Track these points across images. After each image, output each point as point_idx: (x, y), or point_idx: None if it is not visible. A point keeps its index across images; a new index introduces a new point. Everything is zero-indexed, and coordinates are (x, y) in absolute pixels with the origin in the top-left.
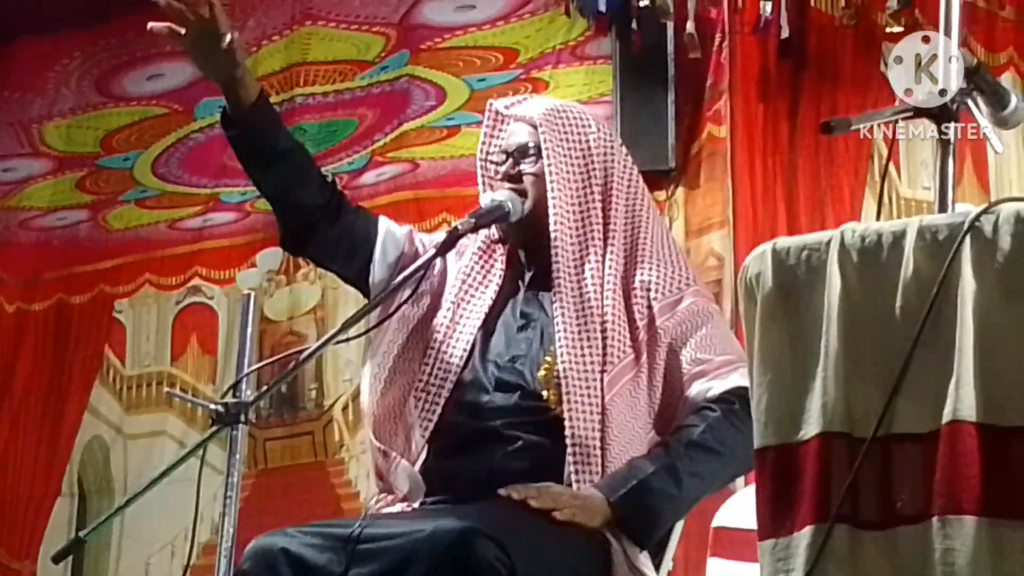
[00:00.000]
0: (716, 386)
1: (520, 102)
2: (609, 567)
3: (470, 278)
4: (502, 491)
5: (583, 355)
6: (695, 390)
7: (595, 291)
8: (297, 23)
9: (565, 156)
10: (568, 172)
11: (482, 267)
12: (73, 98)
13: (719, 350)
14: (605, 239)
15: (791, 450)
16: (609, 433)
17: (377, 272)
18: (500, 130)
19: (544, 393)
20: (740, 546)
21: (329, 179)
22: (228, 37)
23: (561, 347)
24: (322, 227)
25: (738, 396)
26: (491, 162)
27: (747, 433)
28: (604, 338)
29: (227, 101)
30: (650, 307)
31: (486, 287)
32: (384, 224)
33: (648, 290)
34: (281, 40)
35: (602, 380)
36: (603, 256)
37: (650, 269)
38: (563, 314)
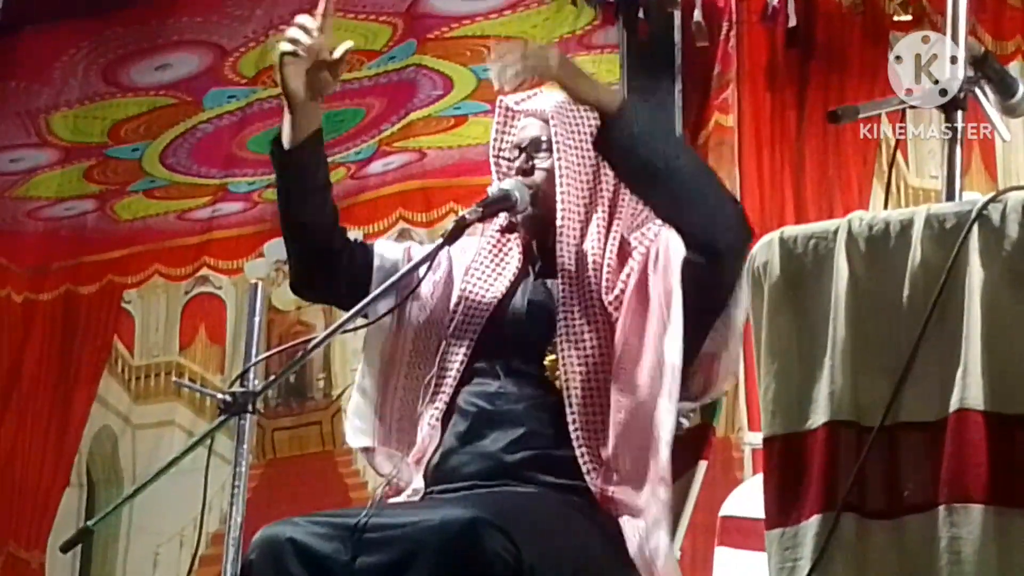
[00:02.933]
0: None
1: (530, 97)
2: (618, 557)
3: (481, 267)
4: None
5: (583, 341)
6: None
7: (595, 274)
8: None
9: (576, 149)
10: (579, 165)
11: (495, 255)
12: (80, 88)
13: None
14: (608, 225)
15: (799, 439)
16: (615, 417)
17: (378, 306)
18: (511, 126)
19: (551, 379)
20: (748, 535)
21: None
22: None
23: (561, 335)
24: (335, 272)
25: None
26: (503, 158)
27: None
28: (609, 322)
29: (291, 124)
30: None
31: (499, 275)
32: (378, 259)
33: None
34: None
35: (605, 365)
36: (605, 239)
37: (646, 231)
38: (565, 302)
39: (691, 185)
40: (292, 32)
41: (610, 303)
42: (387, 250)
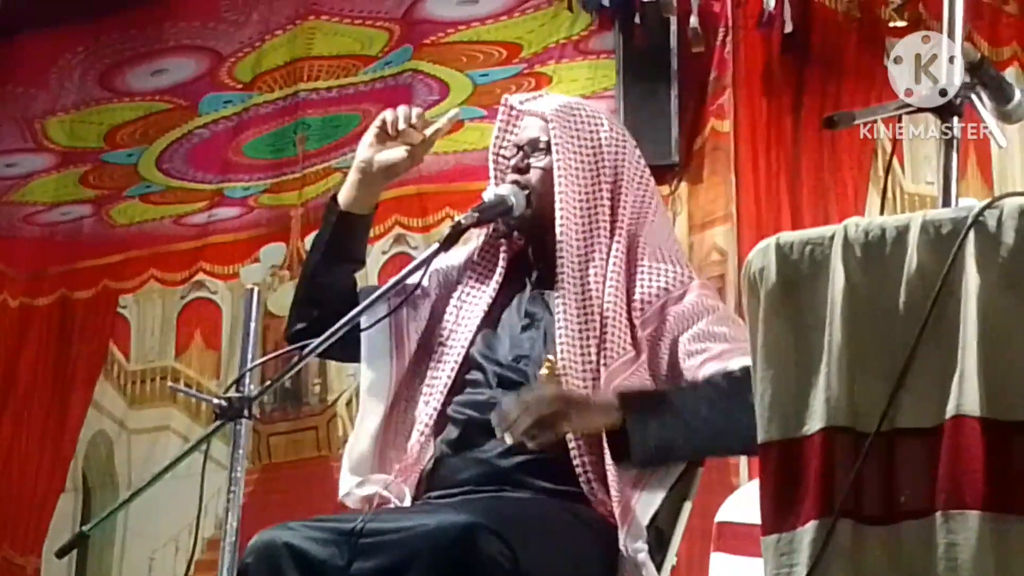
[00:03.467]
0: (715, 366)
1: (534, 98)
2: (613, 562)
3: (475, 274)
4: (506, 439)
5: (582, 354)
6: (696, 374)
7: (597, 289)
8: (301, 18)
9: (575, 153)
10: (577, 169)
11: (486, 262)
12: (76, 93)
13: (721, 338)
14: (611, 237)
15: (795, 445)
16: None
17: (366, 347)
18: (514, 126)
19: None
20: (744, 541)
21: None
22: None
23: (561, 346)
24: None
25: (741, 370)
26: (503, 157)
27: (746, 404)
28: (603, 336)
29: (355, 188)
30: (658, 303)
31: (490, 282)
32: (361, 294)
33: (651, 288)
34: (285, 35)
35: (598, 378)
36: (607, 255)
37: (653, 266)
38: (565, 313)
39: (721, 436)
40: (402, 111)
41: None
42: (370, 286)
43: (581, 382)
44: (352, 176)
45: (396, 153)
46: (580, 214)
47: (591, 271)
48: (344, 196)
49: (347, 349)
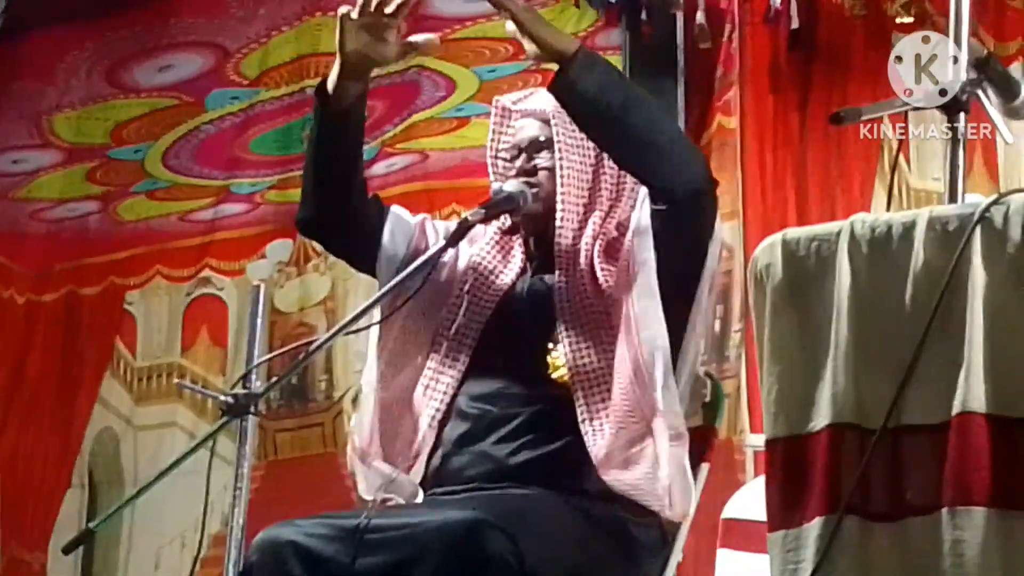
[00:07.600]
0: None
1: (527, 96)
2: (620, 558)
3: (483, 266)
4: None
5: (592, 337)
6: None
7: (588, 268)
8: (307, 14)
9: (577, 148)
10: (580, 165)
11: (498, 256)
12: (83, 89)
13: None
14: (602, 224)
15: (801, 441)
16: (616, 414)
17: (383, 263)
18: (508, 126)
19: (555, 375)
20: (750, 537)
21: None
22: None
23: (565, 327)
24: (347, 222)
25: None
26: (501, 158)
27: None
28: (609, 316)
29: (346, 76)
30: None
31: (500, 275)
32: (393, 214)
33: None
34: (291, 31)
35: (611, 362)
36: (597, 237)
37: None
38: (562, 294)
39: (647, 132)
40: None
41: (606, 289)
42: (403, 216)
43: (590, 364)
44: (335, 72)
45: (370, 32)
46: (581, 209)
47: (583, 255)
48: (345, 84)
49: (362, 253)
